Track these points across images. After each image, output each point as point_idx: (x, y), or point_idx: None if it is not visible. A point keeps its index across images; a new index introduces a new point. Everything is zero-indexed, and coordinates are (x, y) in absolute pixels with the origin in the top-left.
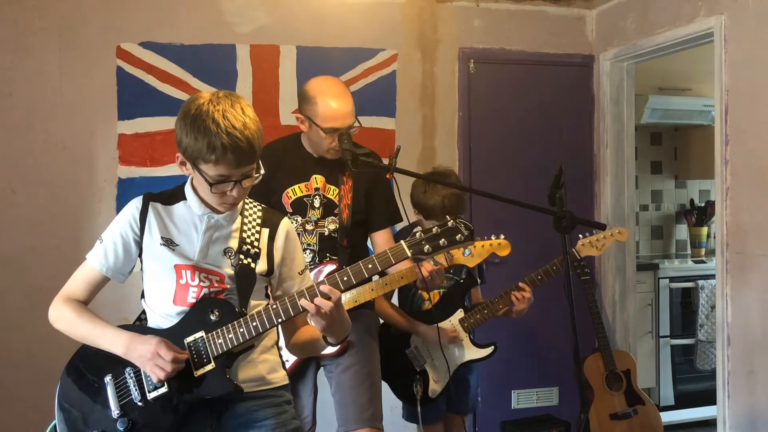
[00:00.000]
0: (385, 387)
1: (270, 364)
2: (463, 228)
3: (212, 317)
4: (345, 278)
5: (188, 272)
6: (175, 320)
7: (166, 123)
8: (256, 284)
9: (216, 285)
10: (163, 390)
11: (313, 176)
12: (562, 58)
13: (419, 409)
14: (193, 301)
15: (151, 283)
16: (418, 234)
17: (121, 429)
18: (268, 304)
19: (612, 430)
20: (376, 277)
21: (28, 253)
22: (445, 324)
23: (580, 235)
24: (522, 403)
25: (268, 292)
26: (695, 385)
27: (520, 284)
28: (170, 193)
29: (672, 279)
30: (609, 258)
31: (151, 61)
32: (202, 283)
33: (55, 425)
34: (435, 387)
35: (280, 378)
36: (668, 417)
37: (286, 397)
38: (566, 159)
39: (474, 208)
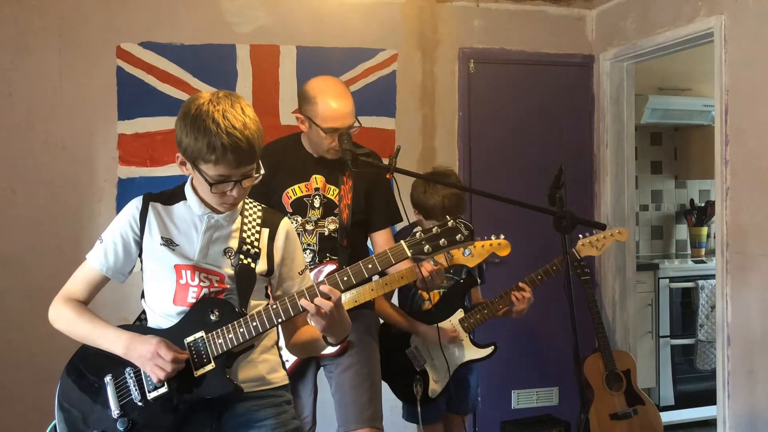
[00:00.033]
0: (385, 387)
1: (270, 364)
2: (463, 228)
3: (212, 317)
4: (345, 278)
5: (188, 272)
6: (175, 320)
7: (166, 123)
8: (256, 284)
9: (216, 285)
10: (163, 390)
11: (313, 176)
12: (562, 58)
13: (419, 409)
14: (193, 301)
15: (151, 283)
16: (418, 234)
17: (121, 429)
18: (268, 304)
19: (612, 430)
20: (376, 277)
21: (28, 253)
22: (445, 324)
23: (580, 235)
24: (522, 403)
25: (268, 292)
26: (695, 385)
27: (520, 284)
28: (170, 193)
29: (672, 279)
30: (609, 258)
31: (151, 61)
32: (202, 283)
33: (55, 425)
34: (435, 387)
35: (280, 378)
36: (668, 417)
37: (286, 397)
38: (566, 159)
39: (474, 208)
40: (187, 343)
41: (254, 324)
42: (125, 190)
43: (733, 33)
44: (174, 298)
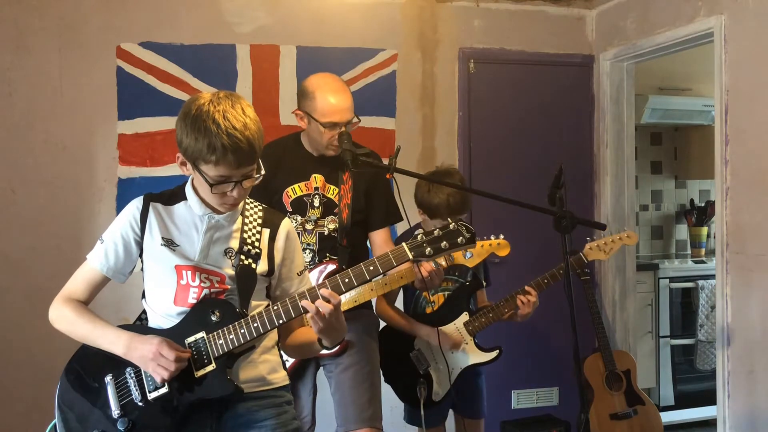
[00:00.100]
0: (385, 388)
1: (270, 364)
2: (465, 231)
3: (213, 318)
4: (346, 280)
5: (189, 273)
6: (176, 320)
7: (166, 123)
8: (257, 285)
9: (217, 285)
10: (164, 390)
11: (313, 175)
12: (562, 58)
13: (422, 412)
14: (194, 301)
15: (152, 283)
16: (419, 236)
17: (121, 429)
18: (268, 304)
19: (612, 430)
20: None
21: (28, 253)
22: (449, 327)
23: (588, 238)
24: (522, 403)
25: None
26: (695, 385)
27: (526, 288)
28: (171, 194)
29: (672, 279)
30: (609, 258)
31: (151, 61)
32: (202, 284)
33: (55, 425)
34: (438, 390)
35: (281, 378)
36: (668, 417)
37: (286, 397)
38: (566, 159)
39: (474, 208)
40: (188, 344)
41: (255, 325)
42: (125, 190)
43: (733, 33)
44: (175, 299)
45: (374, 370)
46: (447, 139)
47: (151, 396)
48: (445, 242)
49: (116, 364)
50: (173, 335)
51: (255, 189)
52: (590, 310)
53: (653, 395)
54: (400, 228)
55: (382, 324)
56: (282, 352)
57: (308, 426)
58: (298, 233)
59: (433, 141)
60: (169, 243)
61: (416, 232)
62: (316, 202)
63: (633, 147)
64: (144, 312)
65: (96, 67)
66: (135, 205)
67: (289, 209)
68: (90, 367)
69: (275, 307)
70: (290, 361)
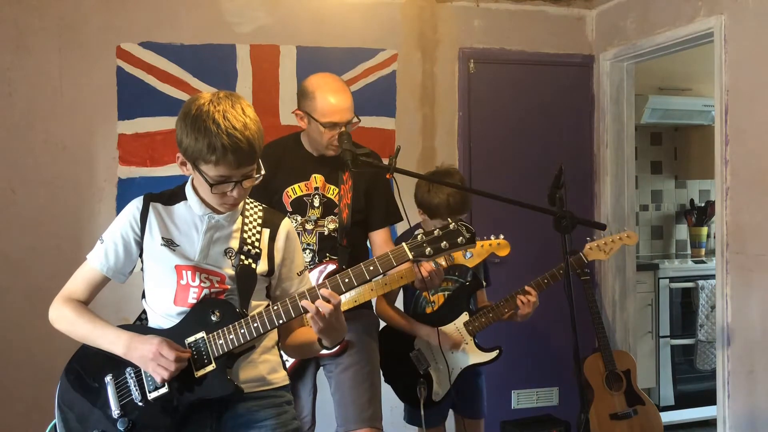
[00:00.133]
0: (386, 388)
1: (270, 364)
2: (465, 231)
3: (213, 318)
4: (346, 280)
5: (189, 273)
6: (176, 320)
7: (166, 123)
8: (257, 285)
9: (217, 285)
10: (164, 390)
11: (313, 175)
12: (562, 58)
13: (422, 412)
14: (194, 301)
15: (152, 283)
16: (419, 236)
17: (121, 429)
18: (268, 304)
19: (612, 430)
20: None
21: (28, 253)
22: (449, 327)
23: (588, 238)
24: (522, 403)
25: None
26: (695, 385)
27: (526, 288)
28: (171, 194)
29: (672, 279)
30: (609, 258)
31: (151, 61)
32: (202, 284)
33: (55, 425)
34: (438, 390)
35: (281, 378)
36: (668, 417)
37: (286, 397)
38: (566, 159)
39: (474, 208)
40: (188, 344)
41: (255, 325)
42: (125, 190)
43: (733, 33)
44: (175, 299)
45: (374, 370)
46: (447, 139)
47: (151, 396)
48: (445, 242)
49: (116, 364)
50: (173, 335)
51: (255, 189)
52: (590, 310)
53: (653, 395)
54: (400, 228)
55: (382, 324)
56: (282, 352)
57: (308, 426)
58: (298, 233)
59: (433, 141)
60: (169, 243)
61: (416, 232)
62: (316, 202)
63: (633, 147)
64: (144, 312)
65: (96, 67)
66: (135, 205)
67: (289, 209)
68: (90, 367)
69: (275, 307)
70: (290, 361)
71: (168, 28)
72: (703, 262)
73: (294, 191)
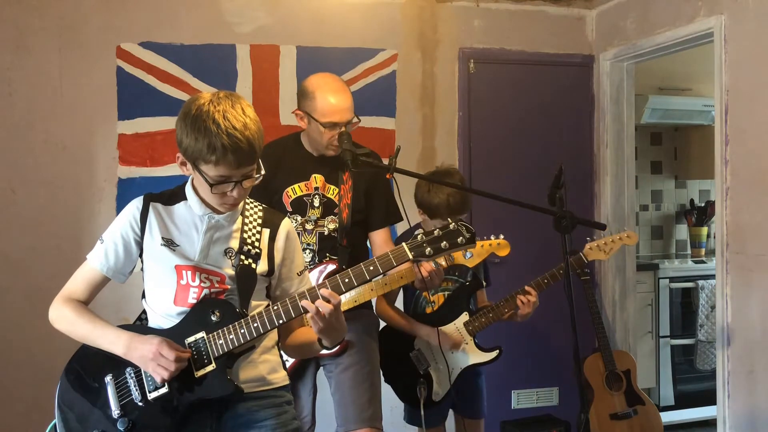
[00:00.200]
0: (386, 387)
1: (270, 364)
2: (465, 231)
3: (213, 318)
4: (346, 280)
5: (189, 273)
6: (176, 320)
7: (166, 123)
8: (257, 285)
9: (217, 285)
10: (164, 390)
11: (313, 175)
12: (562, 58)
13: (422, 412)
14: (194, 301)
15: (152, 283)
16: (419, 236)
17: (121, 429)
18: (268, 304)
19: (612, 430)
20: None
21: (28, 253)
22: (449, 327)
23: (588, 238)
24: (522, 403)
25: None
26: (695, 385)
27: (526, 288)
28: (171, 194)
29: (672, 279)
30: (609, 258)
31: (151, 61)
32: (202, 284)
33: (54, 425)
34: (438, 390)
35: (281, 378)
36: (668, 417)
37: (286, 397)
38: (566, 159)
39: (474, 208)
40: (188, 344)
41: (255, 325)
42: (125, 190)
43: (733, 33)
44: (175, 299)
45: (374, 370)
46: (447, 139)
47: (151, 396)
48: (445, 242)
49: (116, 364)
50: (173, 335)
51: (255, 189)
52: (590, 310)
53: (653, 395)
54: (400, 228)
55: (382, 324)
56: (282, 352)
57: (308, 426)
58: (298, 233)
59: (433, 141)
60: (169, 243)
61: (416, 232)
62: (316, 202)
63: (633, 147)
64: (144, 312)
65: (96, 67)
66: (135, 205)
67: (289, 209)
68: (90, 367)
69: (275, 307)
70: (290, 361)
71: (168, 28)
72: (703, 262)
73: (294, 191)
